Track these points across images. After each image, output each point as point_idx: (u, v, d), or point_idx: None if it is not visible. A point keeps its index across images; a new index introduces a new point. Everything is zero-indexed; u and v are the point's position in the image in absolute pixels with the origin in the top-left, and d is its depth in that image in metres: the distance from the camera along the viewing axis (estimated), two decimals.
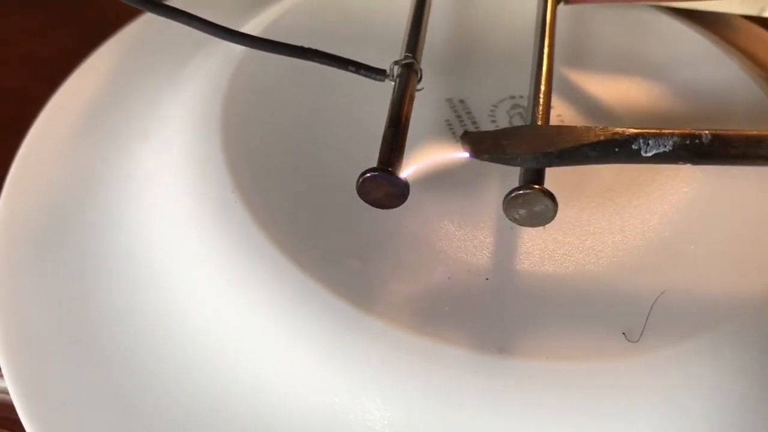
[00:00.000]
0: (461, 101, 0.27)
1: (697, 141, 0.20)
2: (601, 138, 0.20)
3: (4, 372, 0.22)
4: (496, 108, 0.27)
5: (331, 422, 0.20)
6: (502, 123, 0.26)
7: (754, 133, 0.20)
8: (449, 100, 0.27)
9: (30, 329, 0.23)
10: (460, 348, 0.20)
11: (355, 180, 0.21)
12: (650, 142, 0.20)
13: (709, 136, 0.20)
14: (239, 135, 0.24)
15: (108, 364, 0.22)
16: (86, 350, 0.22)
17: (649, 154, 0.20)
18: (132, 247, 0.23)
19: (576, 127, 0.21)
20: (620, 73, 0.29)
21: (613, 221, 0.23)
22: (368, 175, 0.21)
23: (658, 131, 0.20)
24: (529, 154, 0.20)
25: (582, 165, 0.20)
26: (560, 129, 0.21)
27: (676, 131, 0.20)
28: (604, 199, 0.24)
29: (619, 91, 0.28)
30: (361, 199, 0.21)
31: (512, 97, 0.27)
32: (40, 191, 0.25)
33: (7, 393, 0.21)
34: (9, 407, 0.21)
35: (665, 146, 0.20)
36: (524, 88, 0.27)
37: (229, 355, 0.21)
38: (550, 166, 0.20)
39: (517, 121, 0.26)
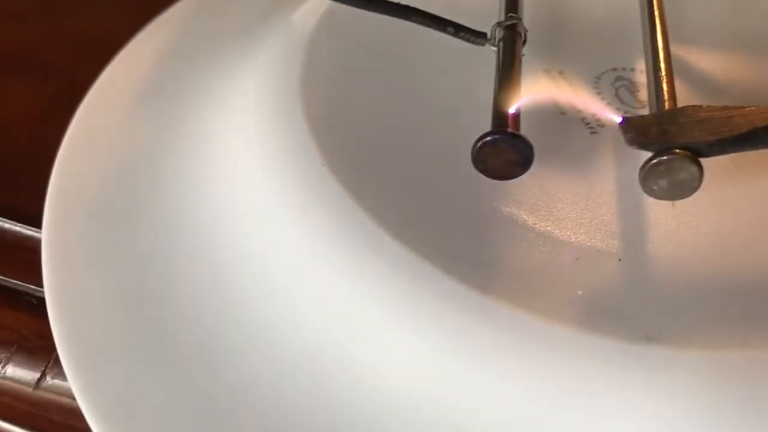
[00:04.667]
0: (560, 72, 0.24)
1: None
2: None
3: (66, 369, 0.19)
4: (599, 80, 0.24)
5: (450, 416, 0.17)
6: (608, 96, 0.24)
7: None
8: (547, 72, 0.24)
9: (93, 323, 0.20)
10: (602, 336, 0.17)
11: (454, 148, 0.19)
12: None
13: None
14: (323, 102, 0.22)
15: (183, 363, 0.19)
16: (158, 346, 0.19)
17: None
18: (209, 230, 0.21)
19: (744, 107, 0.18)
20: (725, 49, 0.27)
21: (752, 198, 0.21)
22: (488, 138, 0.18)
23: None
24: (702, 141, 0.18)
25: (755, 150, 0.18)
26: (727, 110, 0.18)
27: None
28: (738, 173, 0.21)
29: (730, 68, 0.26)
30: (476, 167, 0.18)
31: (614, 69, 0.25)
32: (94, 166, 0.23)
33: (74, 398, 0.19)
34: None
35: None
36: (627, 60, 0.25)
37: (333, 350, 0.18)
38: (722, 154, 0.18)
39: (624, 94, 0.24)
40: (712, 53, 0.26)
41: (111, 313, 0.20)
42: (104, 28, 0.31)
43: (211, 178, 0.22)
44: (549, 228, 0.20)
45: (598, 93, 0.24)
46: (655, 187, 0.18)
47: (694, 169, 0.18)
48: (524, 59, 0.22)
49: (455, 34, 0.21)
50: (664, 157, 0.18)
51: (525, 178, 0.19)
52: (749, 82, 0.26)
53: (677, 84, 0.24)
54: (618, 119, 0.19)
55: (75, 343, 0.20)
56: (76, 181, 0.23)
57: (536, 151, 0.18)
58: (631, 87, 0.24)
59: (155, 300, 0.20)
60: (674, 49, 0.26)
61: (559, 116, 0.23)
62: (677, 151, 0.18)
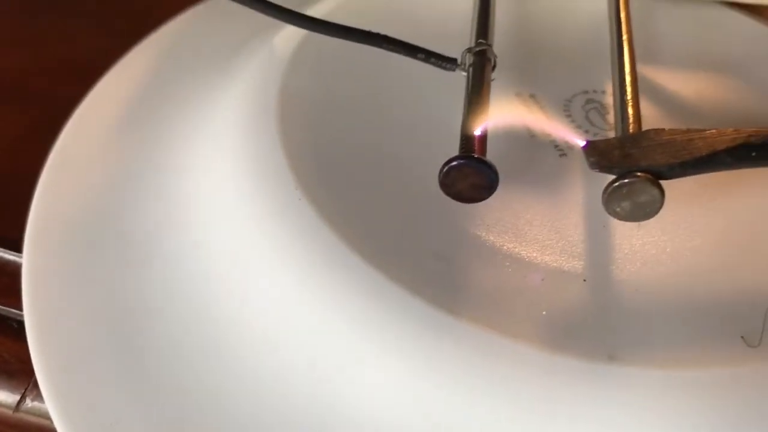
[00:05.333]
0: (531, 96, 0.25)
1: None
2: (739, 142, 0.18)
3: (43, 392, 0.19)
4: (570, 103, 0.25)
5: None
6: (579, 119, 0.24)
7: None
8: (519, 95, 0.25)
9: (72, 347, 0.20)
10: (565, 356, 0.18)
11: (425, 172, 0.19)
12: None
13: None
14: (299, 127, 0.22)
15: (163, 388, 0.19)
16: (137, 370, 0.20)
17: None
18: (184, 251, 0.21)
19: (704, 130, 0.19)
20: (692, 70, 0.27)
21: (716, 218, 0.21)
22: (454, 163, 0.18)
23: None
24: (664, 164, 0.18)
25: (715, 172, 0.18)
26: (689, 134, 0.19)
27: None
28: (703, 193, 0.22)
29: (697, 89, 0.26)
30: (444, 191, 0.19)
31: (585, 92, 0.25)
32: (75, 192, 0.23)
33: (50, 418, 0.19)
34: None
35: None
36: (597, 82, 0.26)
37: (301, 371, 0.18)
38: (683, 176, 0.18)
39: (595, 117, 0.24)
40: (681, 75, 0.27)
41: (90, 338, 0.20)
42: (87, 54, 0.31)
43: (193, 204, 0.22)
44: (516, 249, 0.20)
45: (569, 116, 0.24)
46: (618, 209, 0.19)
47: (655, 191, 0.18)
48: (496, 83, 0.23)
49: (426, 60, 0.22)
50: (626, 180, 0.18)
51: (494, 200, 0.19)
52: (718, 103, 0.26)
53: (647, 106, 0.24)
54: (582, 143, 0.20)
55: (53, 367, 0.20)
56: (58, 206, 0.23)
57: (506, 173, 0.19)
58: (602, 109, 0.25)
59: (135, 325, 0.20)
60: (644, 71, 0.27)
61: (529, 139, 0.23)
62: (639, 174, 0.18)
